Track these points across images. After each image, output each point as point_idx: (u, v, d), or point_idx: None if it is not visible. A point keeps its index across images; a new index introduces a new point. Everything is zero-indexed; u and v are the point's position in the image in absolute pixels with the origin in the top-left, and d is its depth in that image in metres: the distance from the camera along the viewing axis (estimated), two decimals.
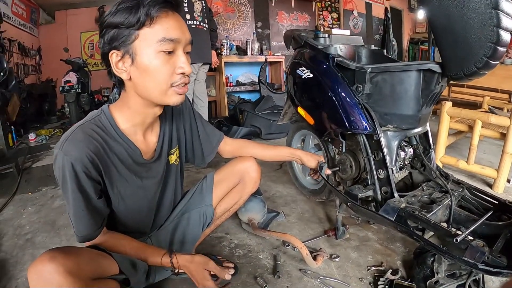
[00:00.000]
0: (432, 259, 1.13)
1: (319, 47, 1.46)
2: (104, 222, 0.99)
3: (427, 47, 7.45)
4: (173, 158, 1.20)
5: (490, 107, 3.23)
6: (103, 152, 0.92)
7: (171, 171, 1.21)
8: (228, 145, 1.37)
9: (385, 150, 1.24)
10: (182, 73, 0.91)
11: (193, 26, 2.75)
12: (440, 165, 2.33)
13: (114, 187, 0.99)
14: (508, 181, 2.17)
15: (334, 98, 1.34)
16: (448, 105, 2.30)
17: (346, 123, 1.31)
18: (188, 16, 2.70)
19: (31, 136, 3.92)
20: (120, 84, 0.94)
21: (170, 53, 0.88)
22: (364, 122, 1.27)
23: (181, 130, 1.23)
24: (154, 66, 0.86)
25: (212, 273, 1.06)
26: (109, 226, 1.04)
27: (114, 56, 0.87)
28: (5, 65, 3.89)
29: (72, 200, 0.88)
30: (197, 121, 1.28)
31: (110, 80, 0.96)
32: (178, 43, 0.88)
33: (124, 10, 0.83)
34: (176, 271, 1.05)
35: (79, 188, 0.87)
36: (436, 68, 1.14)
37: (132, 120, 0.99)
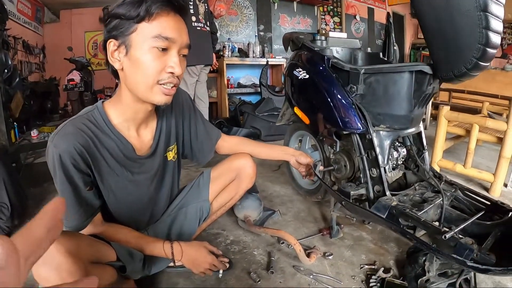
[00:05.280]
0: (424, 258, 1.15)
1: (315, 49, 1.49)
2: (95, 214, 1.01)
3: (428, 53, 7.44)
4: (171, 155, 1.22)
5: (489, 112, 3.24)
6: (93, 146, 0.95)
7: (168, 167, 1.23)
8: (225, 142, 1.39)
9: (378, 149, 1.27)
10: (171, 73, 0.91)
11: (198, 28, 2.76)
12: (437, 169, 2.34)
13: (103, 179, 1.01)
14: (505, 185, 2.18)
15: (328, 98, 1.37)
16: (446, 109, 2.30)
17: (340, 123, 1.34)
18: (193, 18, 2.72)
19: (34, 133, 3.92)
20: (114, 74, 0.97)
21: (164, 50, 0.89)
22: (357, 121, 1.30)
23: (179, 127, 1.24)
24: (145, 60, 0.88)
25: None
26: (107, 219, 1.07)
27: (111, 44, 0.90)
28: (10, 63, 3.91)
29: (61, 190, 0.91)
30: (198, 119, 1.30)
31: (108, 70, 0.97)
32: (173, 43, 0.90)
33: (129, 3, 0.86)
34: (175, 260, 1.09)
35: (67, 178, 0.90)
36: (427, 69, 1.17)
37: (124, 115, 1.01)
